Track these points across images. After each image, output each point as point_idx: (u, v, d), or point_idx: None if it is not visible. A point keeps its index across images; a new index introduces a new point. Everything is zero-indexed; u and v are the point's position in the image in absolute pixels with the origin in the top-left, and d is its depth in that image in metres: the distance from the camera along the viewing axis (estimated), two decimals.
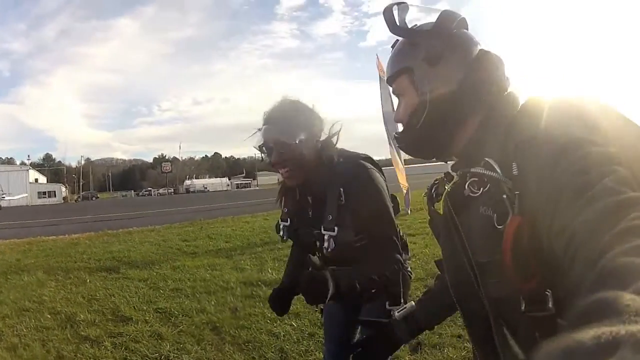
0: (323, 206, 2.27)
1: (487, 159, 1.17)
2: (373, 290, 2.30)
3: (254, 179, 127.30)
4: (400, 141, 1.49)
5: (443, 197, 1.36)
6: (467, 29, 1.42)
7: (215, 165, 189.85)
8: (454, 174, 1.40)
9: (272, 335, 4.97)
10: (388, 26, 1.41)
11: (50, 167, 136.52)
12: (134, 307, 6.17)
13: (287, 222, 2.53)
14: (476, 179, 1.20)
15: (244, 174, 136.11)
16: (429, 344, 4.46)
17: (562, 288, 1.00)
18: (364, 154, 2.46)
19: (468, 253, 1.21)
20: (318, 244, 2.30)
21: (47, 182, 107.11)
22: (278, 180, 2.68)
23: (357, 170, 2.29)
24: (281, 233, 2.56)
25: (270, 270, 7.94)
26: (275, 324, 5.17)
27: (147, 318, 5.71)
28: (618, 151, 0.93)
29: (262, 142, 2.29)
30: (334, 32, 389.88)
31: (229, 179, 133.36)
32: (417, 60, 1.35)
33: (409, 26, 1.41)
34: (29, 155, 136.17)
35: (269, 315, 5.43)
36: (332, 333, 2.83)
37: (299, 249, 2.76)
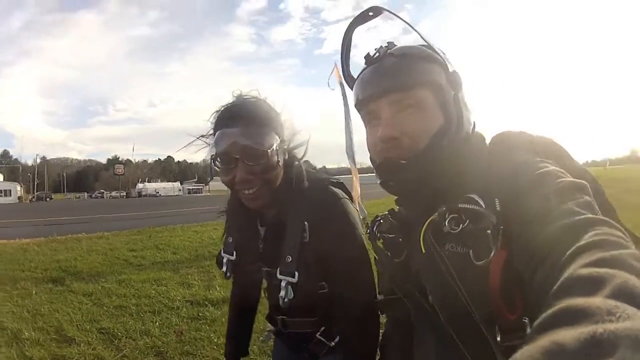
0: (278, 241, 1.74)
1: (470, 195, 1.10)
2: (333, 343, 1.86)
3: (205, 184, 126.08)
4: (422, 165, 1.18)
5: (423, 234, 1.21)
6: None
7: (167, 168, 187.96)
8: (402, 209, 1.39)
9: None
10: (414, 29, 1.26)
11: (7, 165, 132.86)
12: (77, 326, 5.84)
13: (232, 255, 1.90)
14: (456, 215, 1.11)
15: (196, 179, 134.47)
16: None
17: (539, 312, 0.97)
18: (335, 178, 1.89)
19: (464, 293, 1.11)
20: (266, 284, 1.93)
21: (4, 179, 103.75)
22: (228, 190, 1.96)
23: (329, 201, 1.75)
24: (224, 269, 1.91)
25: (218, 288, 7.60)
26: (221, 351, 4.71)
27: (90, 339, 5.39)
28: (585, 182, 0.95)
29: (218, 151, 1.64)
30: (291, 38, 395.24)
31: (181, 184, 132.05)
32: (442, 78, 1.21)
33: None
34: None
35: (215, 340, 5.16)
36: None
37: (241, 294, 2.23)
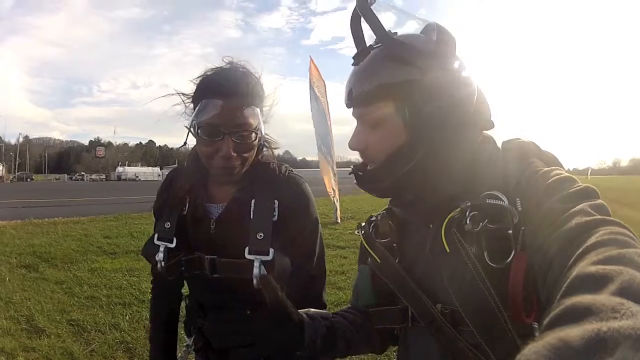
0: (238, 221, 1.61)
1: (493, 192, 1.06)
2: None
3: None
4: (373, 181, 1.20)
5: (444, 231, 1.14)
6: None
7: (148, 153, 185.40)
8: (397, 210, 1.32)
9: None
10: (372, 27, 1.10)
11: None
12: (48, 317, 5.83)
13: (171, 242, 1.65)
14: (477, 212, 1.06)
15: (176, 164, 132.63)
16: None
17: None
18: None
19: (494, 296, 1.06)
20: (209, 273, 1.64)
21: None
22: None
23: (300, 187, 1.70)
24: (160, 259, 1.64)
25: None
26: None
27: (60, 331, 5.37)
28: (596, 188, 0.96)
29: (206, 120, 1.50)
30: (278, 26, 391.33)
31: (161, 169, 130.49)
32: (413, 87, 1.07)
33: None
34: None
35: (186, 338, 4.97)
36: None
37: (169, 292, 1.95)
